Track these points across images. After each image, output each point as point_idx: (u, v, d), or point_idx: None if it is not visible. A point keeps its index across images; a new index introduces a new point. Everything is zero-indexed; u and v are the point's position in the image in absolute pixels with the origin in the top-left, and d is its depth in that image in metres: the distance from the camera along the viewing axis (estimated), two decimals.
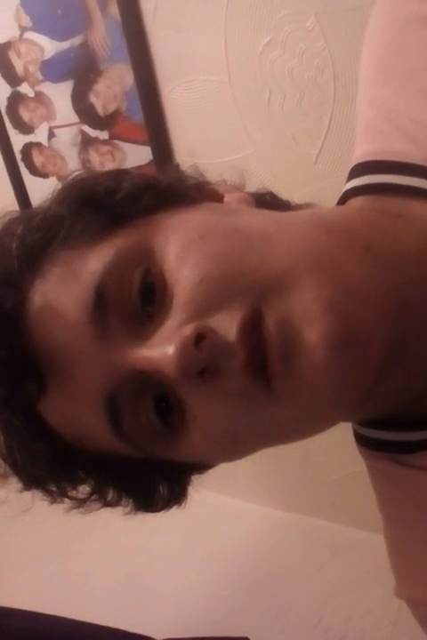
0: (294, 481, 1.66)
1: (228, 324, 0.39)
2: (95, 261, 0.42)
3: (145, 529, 1.60)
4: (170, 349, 0.39)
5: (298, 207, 0.53)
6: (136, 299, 0.42)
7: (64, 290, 0.42)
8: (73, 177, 0.49)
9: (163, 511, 0.51)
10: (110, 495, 0.49)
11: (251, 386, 0.39)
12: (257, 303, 0.38)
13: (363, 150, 0.49)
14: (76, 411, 0.43)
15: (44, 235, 0.45)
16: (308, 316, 0.38)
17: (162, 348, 0.40)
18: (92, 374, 0.42)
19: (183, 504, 0.52)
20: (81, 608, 1.37)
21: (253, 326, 0.38)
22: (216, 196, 0.50)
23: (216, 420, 0.41)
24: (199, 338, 0.38)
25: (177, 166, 0.52)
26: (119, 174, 0.50)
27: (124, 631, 1.18)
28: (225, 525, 1.75)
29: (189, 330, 0.38)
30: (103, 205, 0.45)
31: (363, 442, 0.51)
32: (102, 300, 0.41)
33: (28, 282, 0.43)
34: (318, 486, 1.62)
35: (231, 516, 1.76)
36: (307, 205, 0.52)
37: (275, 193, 0.54)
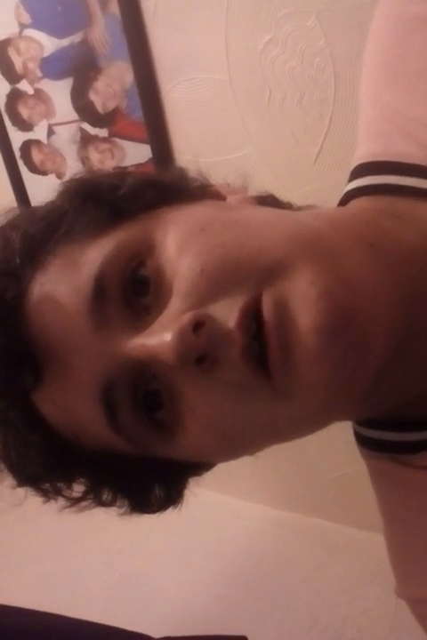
0: (291, 480, 1.66)
1: (228, 312, 0.38)
2: (96, 253, 0.42)
3: (142, 527, 1.61)
4: (167, 336, 0.38)
5: (299, 209, 0.53)
6: (130, 290, 0.42)
7: (64, 280, 0.43)
8: (77, 175, 0.49)
9: (158, 513, 0.51)
10: (105, 495, 0.49)
11: (250, 376, 0.38)
12: (258, 289, 0.38)
13: (365, 151, 0.49)
14: (72, 402, 0.43)
15: (47, 228, 0.45)
16: (303, 301, 0.37)
17: (159, 336, 0.39)
18: (89, 364, 0.42)
19: (179, 506, 0.52)
20: (78, 606, 1.37)
21: (253, 313, 0.38)
22: (219, 196, 0.50)
23: (214, 412, 0.40)
24: (198, 325, 0.38)
25: (181, 167, 0.52)
26: (122, 173, 0.50)
27: (122, 629, 1.18)
28: (223, 524, 1.76)
29: (187, 317, 0.38)
30: (106, 200, 0.45)
31: (364, 442, 0.51)
32: (101, 291, 0.41)
33: (29, 273, 0.43)
34: (316, 485, 1.62)
35: (229, 515, 1.76)
36: (308, 207, 0.52)
37: (276, 196, 0.53)
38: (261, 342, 0.38)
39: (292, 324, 0.37)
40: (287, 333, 0.37)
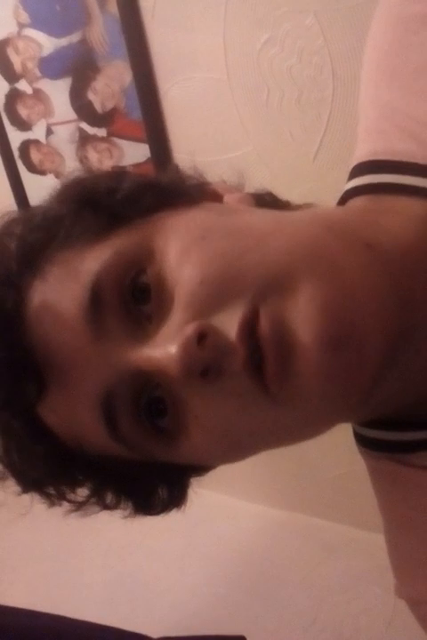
0: (290, 479, 1.66)
1: (229, 323, 0.38)
2: (93, 260, 0.42)
3: (141, 527, 1.60)
4: (173, 348, 0.38)
5: (298, 207, 0.53)
6: (129, 299, 0.42)
7: (62, 289, 0.42)
8: (73, 176, 0.49)
9: (162, 514, 0.51)
10: (109, 498, 0.49)
11: (252, 387, 0.38)
12: (256, 302, 0.38)
13: (364, 150, 0.49)
14: (73, 412, 0.43)
15: (44, 235, 0.44)
16: (302, 317, 0.37)
17: (164, 348, 0.39)
18: (88, 375, 0.41)
19: (183, 507, 0.52)
20: (77, 606, 1.37)
21: (253, 325, 0.38)
22: (216, 197, 0.50)
23: (218, 420, 0.41)
24: (201, 337, 0.38)
25: (177, 166, 0.52)
26: (120, 174, 0.49)
27: (120, 629, 1.18)
28: (221, 524, 1.76)
29: (191, 329, 0.38)
30: (103, 205, 0.45)
31: (363, 442, 0.51)
32: (99, 299, 0.41)
33: (27, 282, 0.43)
34: (315, 485, 1.62)
35: (227, 515, 1.77)
36: (307, 205, 0.52)
37: (274, 193, 0.53)
38: (259, 352, 0.38)
39: (291, 338, 0.37)
40: (286, 347, 0.37)
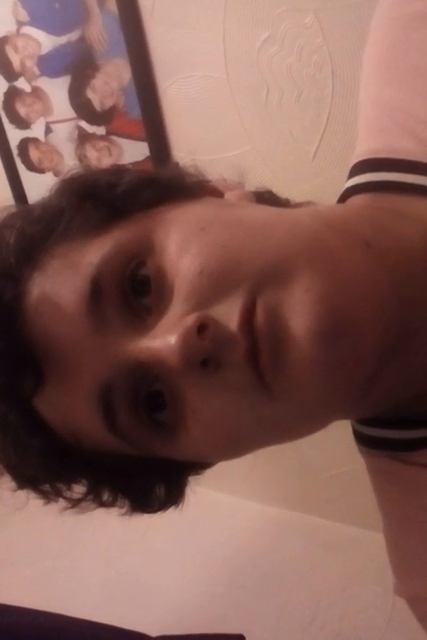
0: (289, 478, 1.66)
1: (229, 314, 0.38)
2: (93, 253, 0.42)
3: (140, 525, 1.61)
4: (172, 339, 0.38)
5: (298, 205, 0.53)
6: (129, 291, 0.42)
7: (61, 281, 0.42)
8: (73, 171, 0.49)
9: (159, 512, 0.51)
10: (106, 495, 0.49)
11: (250, 379, 0.38)
12: (254, 292, 0.38)
13: (365, 148, 0.49)
14: (71, 405, 0.43)
15: (44, 227, 0.44)
16: (297, 308, 0.37)
17: (164, 338, 0.39)
18: (87, 366, 0.41)
19: (180, 505, 0.52)
20: (75, 604, 1.37)
21: (251, 316, 0.38)
22: (216, 193, 0.50)
23: (216, 414, 0.40)
24: (202, 327, 0.38)
25: (177, 163, 0.52)
26: (120, 170, 0.50)
27: (119, 628, 1.17)
28: (220, 522, 1.75)
29: (191, 319, 0.38)
30: (104, 199, 0.45)
31: (363, 440, 0.51)
32: (99, 291, 0.41)
33: (26, 274, 0.43)
34: (313, 483, 1.62)
35: (226, 513, 1.76)
36: (307, 203, 0.52)
37: (274, 191, 0.53)
38: (257, 345, 0.38)
39: (285, 330, 0.37)
40: (280, 338, 0.37)
